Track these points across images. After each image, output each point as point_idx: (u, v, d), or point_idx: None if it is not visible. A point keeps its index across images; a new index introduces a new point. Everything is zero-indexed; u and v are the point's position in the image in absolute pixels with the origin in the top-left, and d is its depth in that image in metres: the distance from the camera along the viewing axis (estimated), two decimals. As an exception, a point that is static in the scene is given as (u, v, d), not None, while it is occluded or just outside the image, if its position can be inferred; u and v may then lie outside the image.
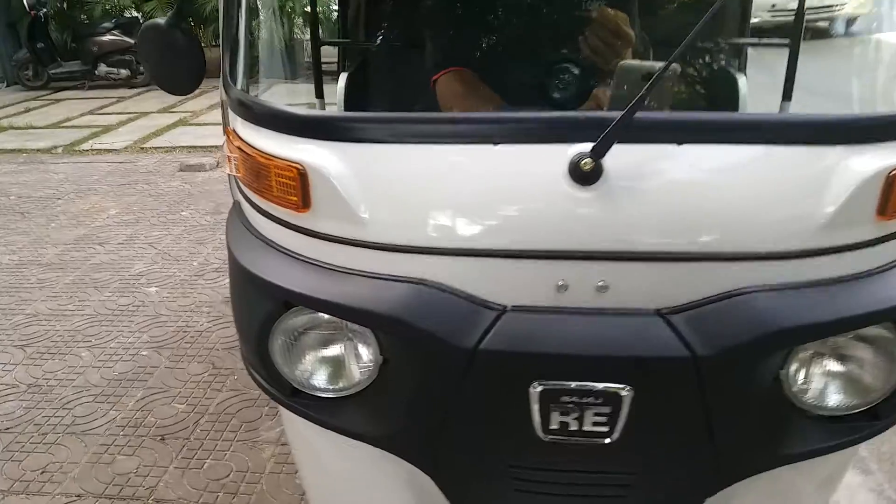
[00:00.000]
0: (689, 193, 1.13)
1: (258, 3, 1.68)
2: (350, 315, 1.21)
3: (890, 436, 2.34)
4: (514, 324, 1.14)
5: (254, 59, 1.56)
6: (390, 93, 2.47)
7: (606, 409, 1.16)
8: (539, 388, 1.15)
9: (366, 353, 1.27)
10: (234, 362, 3.22)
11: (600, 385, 1.14)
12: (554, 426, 1.18)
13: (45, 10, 10.80)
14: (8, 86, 11.48)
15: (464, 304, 1.15)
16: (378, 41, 2.64)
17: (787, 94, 2.27)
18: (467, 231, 1.15)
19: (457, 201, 1.16)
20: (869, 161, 1.12)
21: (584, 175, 1.09)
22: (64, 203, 5.55)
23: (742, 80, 2.37)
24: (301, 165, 1.19)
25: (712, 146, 1.14)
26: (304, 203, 1.21)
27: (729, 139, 1.14)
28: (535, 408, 1.17)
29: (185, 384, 3.08)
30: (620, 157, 1.08)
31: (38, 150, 7.25)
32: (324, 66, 2.67)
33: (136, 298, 3.86)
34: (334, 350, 1.29)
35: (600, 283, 1.13)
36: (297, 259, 1.26)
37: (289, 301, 1.25)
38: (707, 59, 2.52)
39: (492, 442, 1.27)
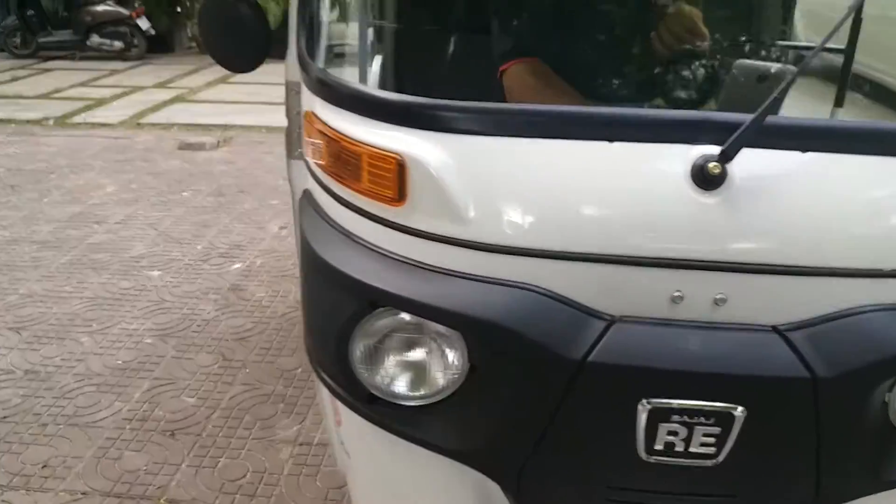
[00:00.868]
0: (816, 204, 1.04)
1: None
2: (447, 319, 1.09)
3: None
4: (624, 336, 1.05)
5: (333, 37, 1.42)
6: (441, 81, 2.32)
7: (716, 430, 1.08)
8: (648, 406, 1.06)
9: (453, 359, 1.15)
10: (244, 354, 3.08)
11: (713, 404, 1.06)
12: (659, 446, 1.10)
13: (36, -25, 10.49)
14: (-6, 53, 11.15)
15: (572, 312, 1.06)
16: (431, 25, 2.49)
17: (839, 101, 2.19)
18: (578, 234, 1.05)
19: (568, 202, 1.06)
20: None
21: (709, 179, 1.01)
22: (57, 178, 5.34)
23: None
24: (400, 156, 1.07)
25: (841, 155, 1.05)
26: (400, 196, 1.09)
27: (861, 149, 1.05)
28: (642, 426, 1.08)
29: (193, 376, 2.92)
30: (745, 161, 1.00)
31: (27, 122, 7.00)
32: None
33: (138, 282, 3.69)
34: (418, 355, 1.18)
35: (718, 296, 1.05)
36: (386, 256, 1.13)
37: (376, 301, 1.13)
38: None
39: (586, 461, 1.17)
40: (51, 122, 6.92)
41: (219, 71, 9.31)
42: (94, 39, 10.36)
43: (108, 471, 2.39)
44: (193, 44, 10.82)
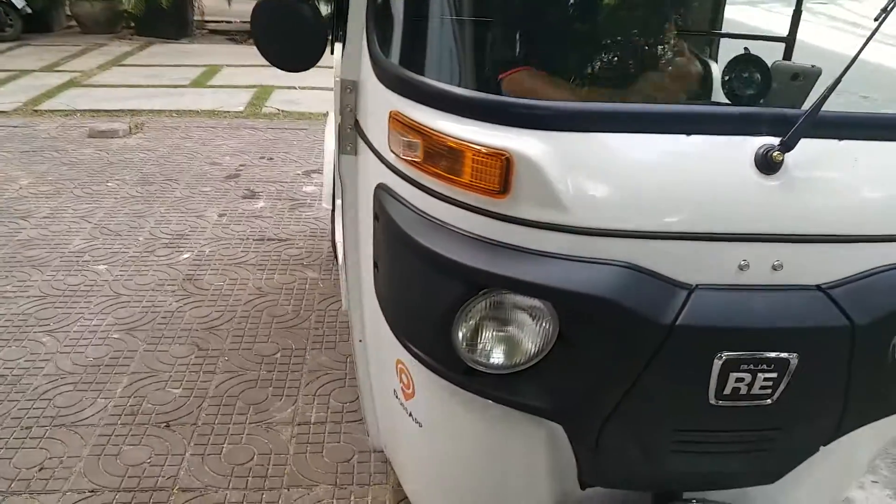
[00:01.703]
0: (854, 183, 1.29)
1: None
2: (549, 295, 1.25)
3: None
4: (704, 301, 1.25)
5: (414, 34, 1.51)
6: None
7: (773, 375, 1.29)
8: (723, 358, 1.26)
9: (543, 329, 1.31)
10: (219, 343, 3.10)
11: (773, 354, 1.27)
12: (727, 392, 1.30)
13: None
14: None
15: (660, 283, 1.25)
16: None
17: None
18: (663, 215, 1.24)
19: (653, 187, 1.24)
20: None
21: (770, 165, 1.22)
22: (-42, 172, 4.99)
23: (714, 68, 2.57)
24: (507, 153, 1.20)
25: (878, 143, 1.29)
26: (503, 189, 1.23)
27: (889, 136, 1.30)
28: (715, 376, 1.28)
29: (173, 367, 2.93)
30: (797, 149, 1.22)
31: None
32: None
33: (87, 277, 3.59)
34: (513, 328, 1.32)
35: (776, 263, 1.26)
36: (489, 243, 1.27)
37: (483, 283, 1.27)
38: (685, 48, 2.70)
39: (660, 410, 1.36)
40: (-70, 110, 6.39)
41: (108, 52, 8.87)
42: (-40, 18, 9.51)
43: (110, 467, 2.40)
44: (73, 22, 10.17)
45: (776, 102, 1.55)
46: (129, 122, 5.97)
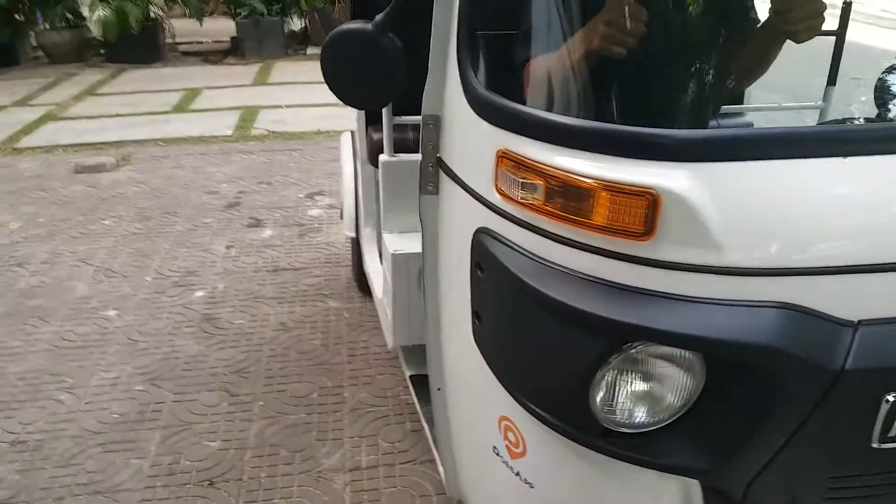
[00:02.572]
0: None
1: None
2: (707, 346, 1.12)
3: None
4: (871, 339, 1.13)
5: (523, 62, 1.37)
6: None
7: None
8: (891, 401, 1.15)
9: (688, 381, 1.19)
10: (250, 386, 2.94)
11: None
12: (892, 433, 1.18)
13: None
14: None
15: (823, 322, 1.13)
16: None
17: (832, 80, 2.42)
18: (824, 248, 1.12)
19: (813, 218, 1.12)
20: None
21: None
22: (-58, 219, 4.75)
23: None
24: (653, 191, 1.08)
25: None
26: (648, 231, 1.10)
27: None
28: (881, 418, 1.16)
29: (206, 417, 2.76)
30: None
31: None
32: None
33: (98, 325, 3.40)
34: (656, 383, 1.19)
35: None
36: (630, 290, 1.14)
37: (627, 337, 1.14)
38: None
39: (816, 458, 1.24)
40: None
41: (81, 82, 8.60)
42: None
43: (158, 535, 2.24)
44: (41, 53, 9.86)
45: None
46: (116, 155, 5.75)
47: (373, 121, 2.58)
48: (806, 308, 1.12)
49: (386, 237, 2.40)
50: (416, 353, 2.42)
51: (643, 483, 1.32)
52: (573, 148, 1.15)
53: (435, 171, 1.49)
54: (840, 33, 2.33)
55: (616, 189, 1.11)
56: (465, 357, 1.52)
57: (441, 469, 1.91)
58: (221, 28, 10.50)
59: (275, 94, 7.80)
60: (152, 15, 9.59)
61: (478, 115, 1.31)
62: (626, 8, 1.35)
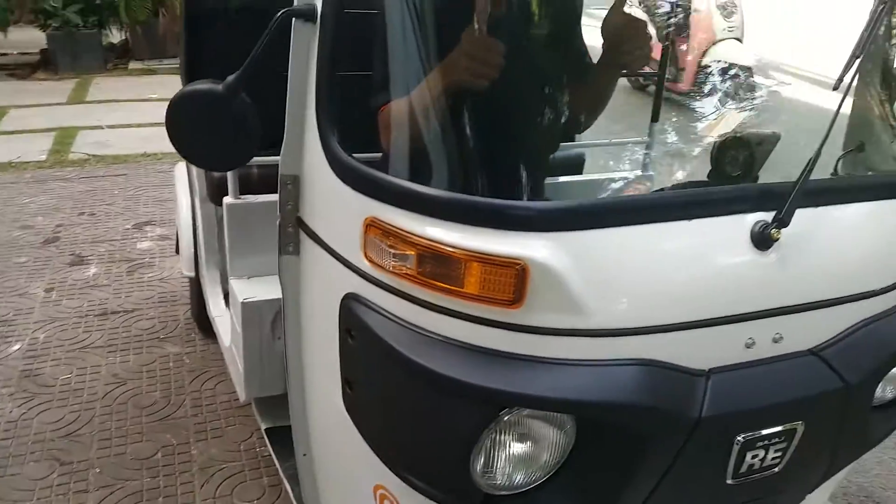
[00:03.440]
0: (839, 247, 1.34)
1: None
2: (578, 409, 1.17)
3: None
4: (721, 386, 1.23)
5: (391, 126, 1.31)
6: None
7: (784, 445, 1.32)
8: (742, 439, 1.26)
9: (561, 437, 1.23)
10: (84, 452, 2.67)
11: (784, 426, 1.30)
12: (743, 470, 1.31)
13: None
14: None
15: (681, 375, 1.21)
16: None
17: (655, 117, 2.61)
18: (676, 306, 1.21)
19: (664, 278, 1.20)
20: None
21: (766, 241, 1.23)
22: None
23: None
24: (521, 262, 1.09)
25: (853, 205, 1.35)
26: (517, 299, 1.12)
27: (860, 198, 1.37)
28: (733, 458, 1.28)
29: (33, 493, 2.47)
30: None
31: None
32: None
33: None
34: (531, 442, 1.23)
35: (776, 335, 1.29)
36: (503, 357, 1.15)
37: (504, 404, 1.16)
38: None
39: (683, 496, 1.34)
40: None
41: None
42: None
43: None
44: None
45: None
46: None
47: None
48: (663, 363, 1.19)
49: (234, 283, 2.26)
50: (272, 403, 2.29)
51: None
52: (442, 219, 1.15)
53: (295, 231, 1.42)
54: (661, 75, 2.55)
55: (486, 260, 1.12)
56: (335, 425, 1.46)
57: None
58: (31, 39, 9.55)
59: (94, 114, 7.19)
60: (-59, 21, 8.55)
61: (342, 180, 1.26)
62: (484, 41, 1.33)
